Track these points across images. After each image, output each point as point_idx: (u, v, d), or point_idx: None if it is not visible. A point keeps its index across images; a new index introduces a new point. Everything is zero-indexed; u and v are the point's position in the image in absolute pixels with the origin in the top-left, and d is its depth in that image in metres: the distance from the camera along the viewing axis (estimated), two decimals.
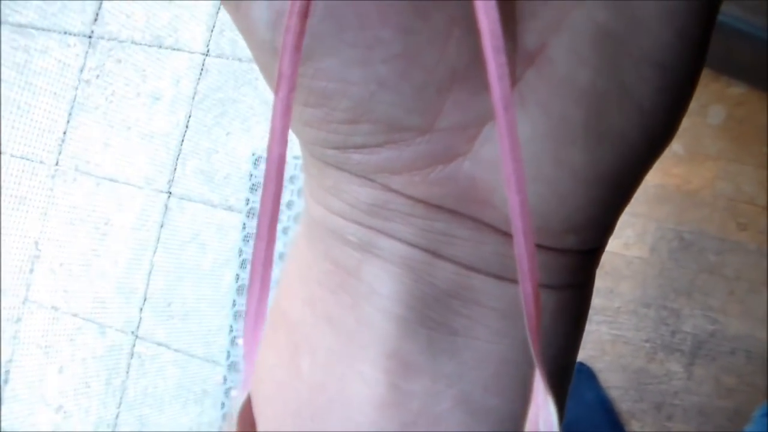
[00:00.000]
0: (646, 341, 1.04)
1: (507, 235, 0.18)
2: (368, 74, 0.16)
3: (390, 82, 0.17)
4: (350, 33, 0.16)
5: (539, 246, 0.18)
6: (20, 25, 1.44)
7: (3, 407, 1.37)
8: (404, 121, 0.17)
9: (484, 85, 0.17)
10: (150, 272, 1.30)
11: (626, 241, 1.09)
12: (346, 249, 0.19)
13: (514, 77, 0.17)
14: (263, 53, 0.17)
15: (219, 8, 1.35)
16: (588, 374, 1.04)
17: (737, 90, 1.03)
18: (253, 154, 1.28)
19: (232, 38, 1.32)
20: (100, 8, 1.39)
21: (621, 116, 0.17)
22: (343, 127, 0.17)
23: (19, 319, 1.38)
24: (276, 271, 0.15)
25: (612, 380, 1.05)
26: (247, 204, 1.25)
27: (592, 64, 0.16)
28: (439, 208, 0.18)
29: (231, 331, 1.22)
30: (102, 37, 1.39)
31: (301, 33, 0.13)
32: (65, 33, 1.41)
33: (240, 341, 1.21)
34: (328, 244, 0.19)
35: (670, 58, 0.17)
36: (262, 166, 1.25)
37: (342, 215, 0.19)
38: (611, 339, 1.05)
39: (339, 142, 0.18)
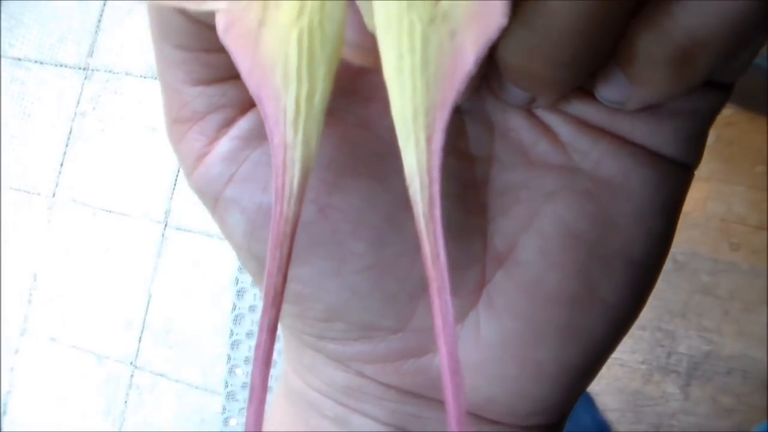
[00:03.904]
0: (642, 363, 1.04)
1: (474, 415, 0.18)
2: (342, 284, 0.17)
3: (363, 291, 0.17)
4: (324, 247, 0.16)
5: (505, 424, 0.18)
6: (17, 58, 1.45)
7: None
8: (377, 323, 0.17)
9: (454, 291, 0.17)
10: (148, 302, 1.30)
11: None
12: (323, 421, 0.20)
13: (483, 281, 0.17)
14: (241, 255, 0.18)
15: None
16: (585, 398, 1.04)
17: (726, 111, 1.04)
18: None
19: None
20: (95, 41, 1.41)
21: (587, 314, 0.17)
22: (318, 323, 0.18)
23: (17, 351, 1.38)
24: None
25: (609, 403, 1.04)
26: None
27: (561, 267, 0.16)
28: (410, 393, 0.19)
29: (228, 360, 1.22)
30: (97, 69, 1.40)
31: (270, 348, 0.13)
32: (61, 65, 1.42)
33: (238, 371, 1.21)
34: (306, 413, 0.20)
35: (638, 255, 0.17)
36: None
37: (319, 391, 0.19)
38: (607, 362, 1.05)
39: (315, 333, 0.18)
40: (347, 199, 0.16)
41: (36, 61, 1.44)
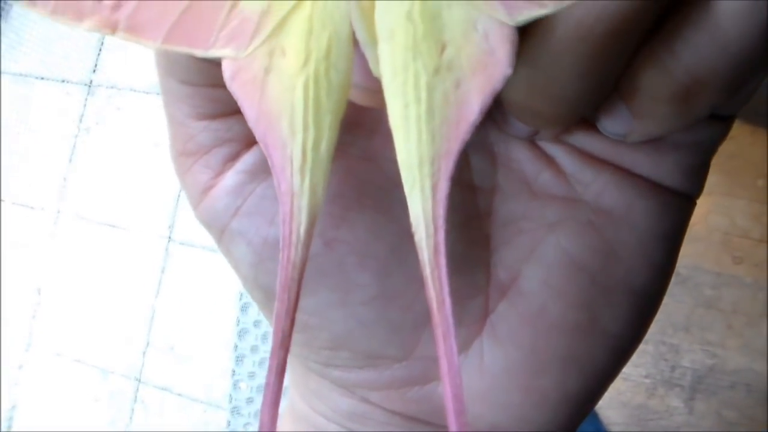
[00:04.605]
0: (646, 377, 1.04)
1: None
2: (347, 314, 0.17)
3: (368, 321, 0.17)
4: (330, 278, 0.17)
5: None
6: (21, 75, 1.46)
7: None
8: (382, 352, 0.18)
9: (458, 321, 0.17)
10: (152, 317, 1.30)
11: None
12: None
13: (487, 311, 0.18)
14: (247, 285, 0.18)
15: None
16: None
17: None
18: None
19: None
20: (98, 57, 1.41)
21: (589, 343, 0.17)
22: (324, 351, 0.18)
23: (21, 366, 1.38)
24: None
25: (613, 417, 1.04)
26: None
27: (563, 297, 0.17)
28: (414, 419, 0.19)
29: (233, 374, 1.22)
30: (101, 85, 1.40)
31: (279, 389, 0.13)
32: (65, 81, 1.43)
33: (242, 385, 1.20)
34: None
35: (640, 285, 0.17)
36: None
37: (324, 416, 0.20)
38: None
39: (320, 360, 0.18)
40: (353, 231, 0.16)
41: (39, 77, 1.45)
